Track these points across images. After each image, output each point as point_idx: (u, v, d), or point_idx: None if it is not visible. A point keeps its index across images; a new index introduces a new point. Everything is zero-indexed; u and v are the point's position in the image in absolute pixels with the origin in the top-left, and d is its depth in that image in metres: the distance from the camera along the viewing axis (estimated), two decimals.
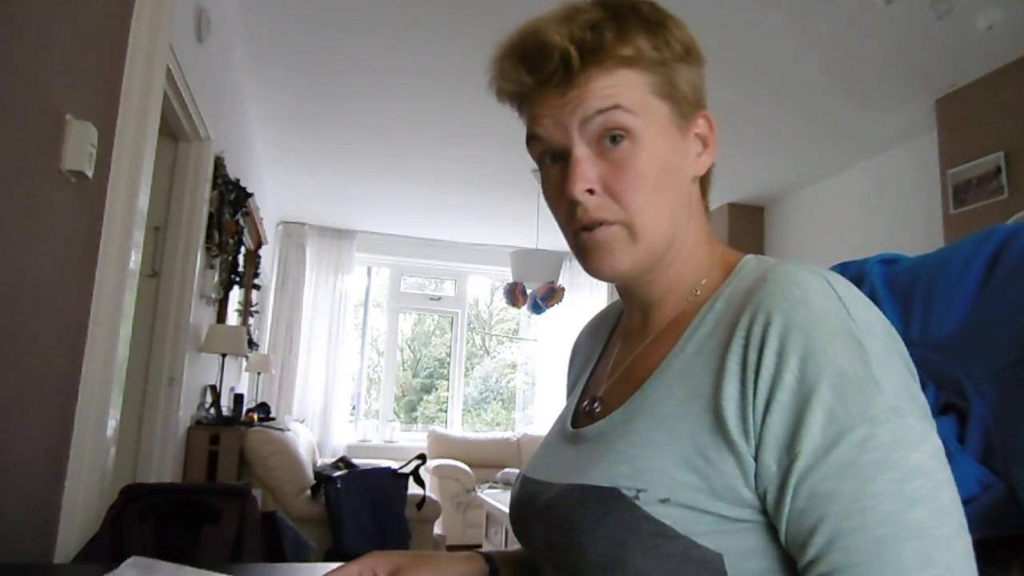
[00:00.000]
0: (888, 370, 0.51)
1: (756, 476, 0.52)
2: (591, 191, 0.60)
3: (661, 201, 0.62)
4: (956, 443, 0.58)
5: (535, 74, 0.61)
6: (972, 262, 0.61)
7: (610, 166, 0.60)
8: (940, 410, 0.61)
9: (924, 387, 0.61)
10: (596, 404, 0.68)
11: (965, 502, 0.56)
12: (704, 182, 0.69)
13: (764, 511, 0.53)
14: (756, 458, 0.51)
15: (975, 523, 0.57)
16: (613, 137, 0.60)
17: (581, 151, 0.61)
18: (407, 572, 0.68)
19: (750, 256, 0.65)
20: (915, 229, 3.84)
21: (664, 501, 0.53)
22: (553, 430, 0.75)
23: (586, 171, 0.60)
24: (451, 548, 4.09)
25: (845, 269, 0.73)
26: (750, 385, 0.52)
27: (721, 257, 0.67)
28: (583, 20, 0.60)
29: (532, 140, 0.64)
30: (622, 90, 0.60)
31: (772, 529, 0.53)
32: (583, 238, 0.62)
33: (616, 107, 0.59)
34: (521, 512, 0.67)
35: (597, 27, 0.60)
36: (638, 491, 0.54)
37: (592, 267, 0.63)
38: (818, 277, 0.55)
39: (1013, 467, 0.55)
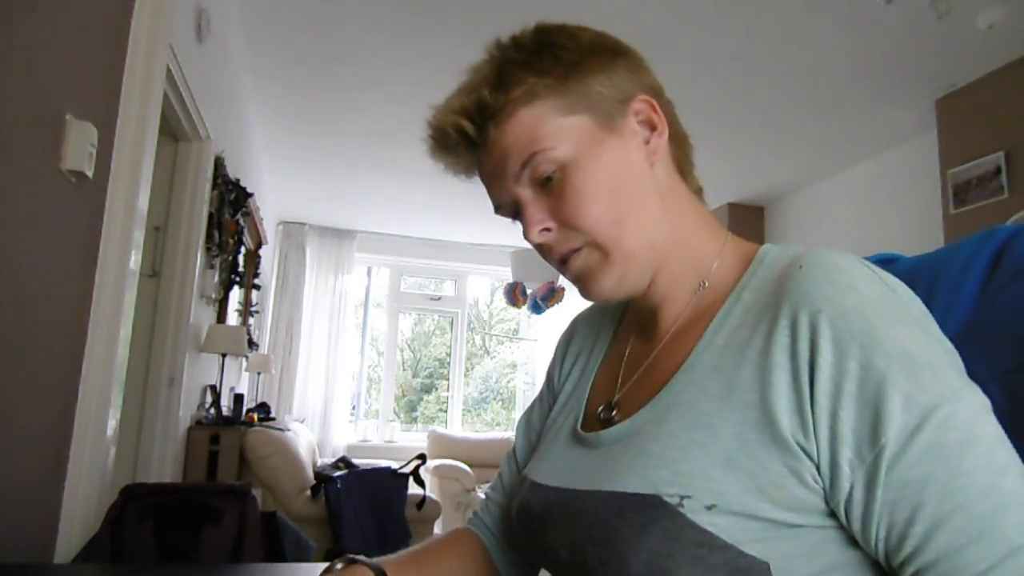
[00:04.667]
0: (947, 348, 0.52)
1: (830, 475, 0.49)
2: (548, 229, 0.62)
3: (617, 208, 0.61)
4: None
5: (452, 156, 0.64)
6: (973, 263, 0.61)
7: (554, 200, 0.62)
8: None
9: None
10: (614, 411, 0.65)
11: None
12: (681, 162, 0.68)
13: (820, 513, 0.51)
14: (831, 459, 0.49)
15: None
16: (546, 177, 0.61)
17: (526, 197, 0.63)
18: None
19: (769, 244, 0.64)
20: (915, 229, 3.84)
21: (710, 508, 0.50)
22: (558, 431, 0.71)
23: (534, 215, 0.62)
24: None
25: None
26: (804, 379, 0.50)
27: (732, 246, 0.66)
28: (465, 89, 0.63)
29: (497, 211, 0.67)
30: (531, 131, 0.61)
31: (822, 534, 0.51)
32: (565, 271, 0.64)
33: (532, 155, 0.61)
34: (534, 521, 0.63)
35: (476, 90, 0.61)
36: (682, 498, 0.51)
37: (585, 295, 0.65)
38: (858, 263, 0.54)
39: None
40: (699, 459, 0.52)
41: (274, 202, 5.48)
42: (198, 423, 3.14)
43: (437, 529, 3.73)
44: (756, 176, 4.71)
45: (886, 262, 0.69)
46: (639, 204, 0.62)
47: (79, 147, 1.33)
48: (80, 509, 1.50)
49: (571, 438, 0.67)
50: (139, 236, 1.73)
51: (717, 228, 0.67)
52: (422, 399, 7.45)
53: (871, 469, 0.48)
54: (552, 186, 0.61)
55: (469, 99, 0.61)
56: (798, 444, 0.50)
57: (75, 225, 1.43)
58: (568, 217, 0.61)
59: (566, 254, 0.62)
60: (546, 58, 0.62)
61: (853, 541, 0.51)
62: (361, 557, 0.66)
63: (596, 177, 0.61)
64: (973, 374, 0.55)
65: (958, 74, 3.25)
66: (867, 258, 0.71)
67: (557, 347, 0.84)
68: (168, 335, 2.55)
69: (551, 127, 0.61)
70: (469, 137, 0.62)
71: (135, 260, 1.71)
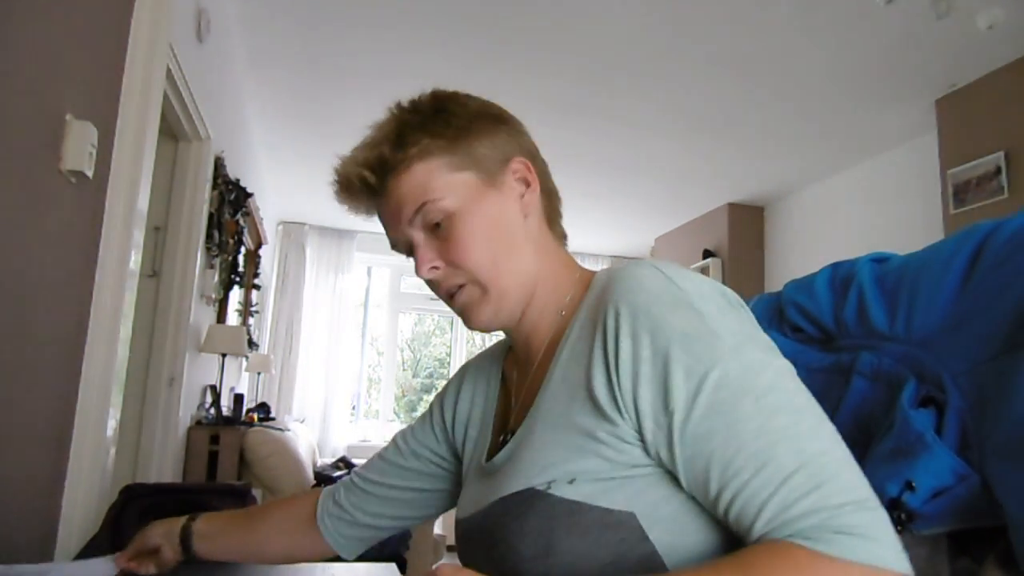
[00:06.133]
0: (722, 321, 0.60)
1: (645, 442, 0.59)
2: (435, 267, 0.71)
3: (496, 252, 0.71)
4: (933, 434, 0.59)
5: (354, 200, 0.75)
6: (954, 259, 0.63)
7: (442, 243, 0.71)
8: (920, 403, 0.62)
9: (906, 381, 0.62)
10: (509, 434, 0.74)
11: (940, 492, 0.58)
12: (549, 213, 0.79)
13: (654, 464, 0.60)
14: (639, 428, 0.59)
15: (950, 514, 0.58)
16: (436, 223, 0.71)
17: (418, 238, 0.72)
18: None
19: (601, 269, 0.74)
20: (915, 229, 3.84)
21: (572, 482, 0.60)
22: (469, 470, 0.81)
23: (425, 255, 0.72)
24: (451, 548, 4.09)
25: (836, 268, 0.75)
26: (613, 368, 0.60)
27: (580, 277, 0.76)
28: (368, 144, 0.72)
29: (392, 246, 0.77)
30: (424, 182, 0.70)
31: (667, 478, 0.60)
32: (451, 304, 0.74)
33: (424, 204, 0.70)
34: (465, 550, 0.72)
35: (378, 146, 0.71)
36: (549, 483, 0.61)
37: (468, 324, 0.74)
38: (649, 267, 0.64)
39: (988, 459, 0.56)
40: (556, 451, 0.63)
41: (274, 202, 5.48)
42: (198, 423, 3.14)
43: (437, 529, 3.73)
44: (756, 176, 4.71)
45: (880, 261, 0.72)
46: (513, 249, 0.72)
47: (79, 147, 1.33)
48: (80, 509, 1.50)
49: (479, 472, 0.76)
50: (139, 236, 1.74)
51: (574, 267, 0.78)
52: (422, 399, 7.45)
53: (668, 434, 0.58)
54: (440, 231, 0.71)
55: (371, 154, 0.71)
56: (616, 418, 0.60)
57: (75, 225, 1.43)
58: (454, 258, 0.70)
59: (452, 289, 0.72)
60: (439, 122, 0.72)
61: None
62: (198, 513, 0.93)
63: (478, 225, 0.70)
64: (948, 367, 0.59)
65: (958, 74, 3.25)
66: (862, 257, 0.74)
67: (448, 385, 0.92)
68: (168, 335, 2.55)
69: (441, 181, 0.70)
70: (370, 186, 0.72)
71: (135, 260, 1.71)
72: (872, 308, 0.67)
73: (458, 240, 0.70)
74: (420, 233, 0.72)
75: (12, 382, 1.21)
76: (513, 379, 0.81)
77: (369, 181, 0.72)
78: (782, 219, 5.12)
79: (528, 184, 0.75)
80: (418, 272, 0.72)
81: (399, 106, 0.75)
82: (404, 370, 7.33)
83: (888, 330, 0.65)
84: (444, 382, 7.28)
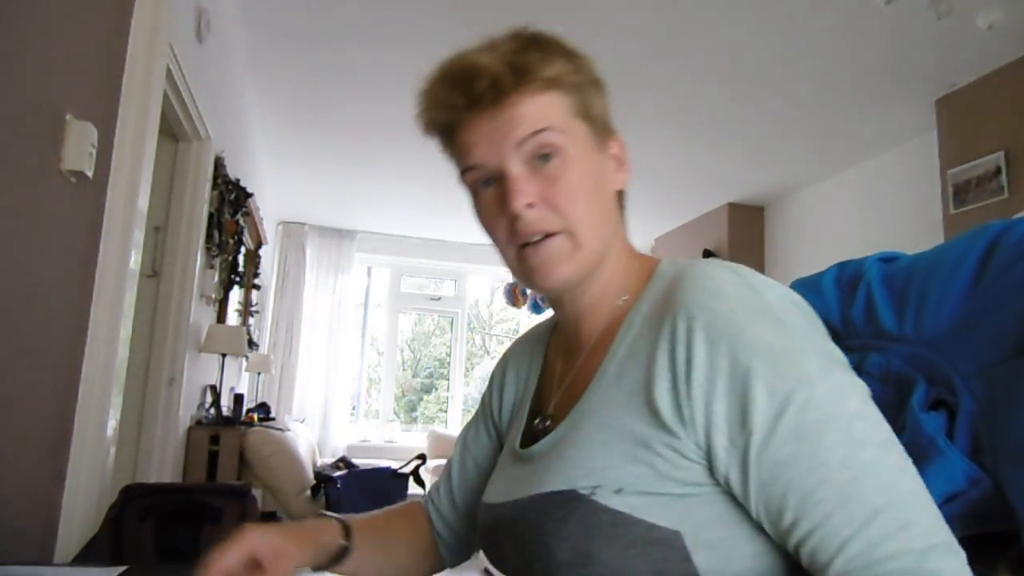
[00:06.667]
0: (808, 338, 0.57)
1: (711, 460, 0.56)
2: (530, 205, 0.64)
3: (595, 211, 0.67)
4: (945, 438, 0.58)
5: (467, 96, 0.64)
6: (964, 259, 0.62)
7: (544, 181, 0.64)
8: (931, 405, 0.61)
9: (915, 383, 0.62)
10: (547, 420, 0.71)
11: (952, 497, 0.57)
12: (621, 199, 0.74)
13: (712, 484, 0.57)
14: (708, 444, 0.55)
15: (962, 518, 0.57)
16: (544, 155, 0.64)
17: (517, 170, 0.64)
18: (290, 558, 0.62)
19: (665, 259, 0.71)
20: (915, 229, 3.83)
21: (619, 491, 0.57)
22: (504, 453, 0.77)
23: (524, 187, 0.64)
24: None
25: (844, 268, 0.73)
26: (683, 378, 0.57)
27: (641, 264, 0.72)
28: (507, 48, 0.65)
29: (468, 171, 0.67)
30: (549, 112, 0.65)
31: (721, 500, 0.57)
32: (527, 253, 0.66)
33: (546, 129, 0.64)
34: (491, 537, 0.69)
35: (522, 51, 0.65)
36: (594, 488, 0.58)
37: (539, 279, 0.66)
38: (728, 270, 0.61)
39: (1001, 463, 0.56)
40: (605, 455, 0.59)
41: (274, 202, 5.48)
42: (198, 423, 3.14)
43: None
44: (756, 176, 4.71)
45: (888, 260, 0.70)
46: (605, 216, 0.69)
47: (79, 147, 1.33)
48: (80, 509, 1.50)
49: (513, 457, 0.73)
50: (139, 236, 1.73)
51: (636, 254, 0.74)
52: (422, 399, 7.45)
53: (743, 453, 0.54)
54: (546, 169, 0.65)
55: (518, 57, 0.64)
56: (681, 432, 0.56)
57: (75, 225, 1.43)
58: (558, 201, 0.64)
59: (539, 234, 0.65)
60: (576, 63, 0.68)
61: None
62: (331, 514, 0.74)
63: (586, 178, 0.66)
64: (959, 369, 0.58)
65: (958, 74, 3.25)
66: (870, 256, 0.72)
67: (493, 377, 0.88)
68: (168, 335, 2.55)
69: (564, 118, 0.65)
70: (498, 85, 0.63)
71: (135, 260, 1.71)
72: (881, 308, 0.66)
73: (568, 184, 0.64)
74: (520, 164, 0.64)
75: (12, 382, 1.21)
76: (556, 363, 0.77)
77: (501, 78, 0.63)
78: (782, 219, 5.12)
79: (621, 164, 0.72)
80: (510, 202, 0.63)
81: (541, 31, 0.68)
82: (404, 370, 7.33)
83: (897, 330, 0.64)
84: (444, 382, 7.24)
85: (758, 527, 0.56)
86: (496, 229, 0.67)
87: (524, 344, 0.86)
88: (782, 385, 0.53)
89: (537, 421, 0.73)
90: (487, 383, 0.89)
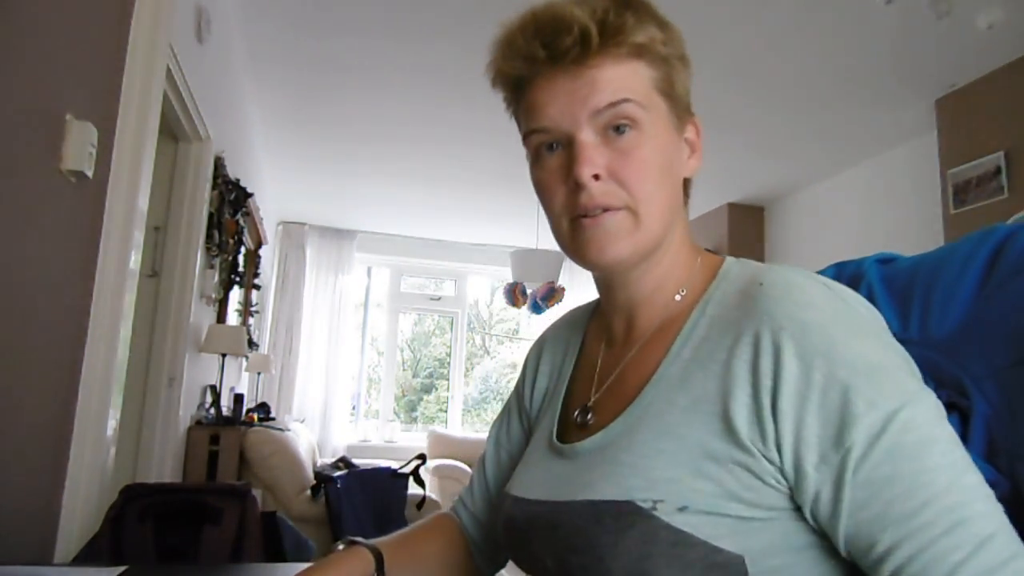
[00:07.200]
0: (902, 355, 0.55)
1: (795, 479, 0.52)
2: (597, 176, 0.60)
3: (662, 193, 0.62)
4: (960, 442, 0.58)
5: (549, 48, 0.59)
6: (971, 261, 0.61)
7: (615, 154, 0.60)
8: None
9: None
10: (589, 415, 0.66)
11: None
12: (687, 188, 0.71)
13: (783, 509, 0.53)
14: (796, 462, 0.52)
15: None
16: (618, 127, 0.60)
17: (588, 137, 0.60)
18: None
19: (731, 259, 0.67)
20: (915, 229, 3.84)
21: (682, 509, 0.53)
22: (536, 443, 0.73)
23: (593, 156, 0.60)
24: None
25: (842, 268, 0.73)
26: (767, 392, 0.53)
27: (703, 261, 0.68)
28: (600, 4, 0.60)
29: (533, 133, 0.63)
30: (632, 82, 0.60)
31: (790, 524, 0.54)
32: (584, 224, 0.61)
33: (627, 100, 0.60)
34: (520, 534, 0.65)
35: (615, 10, 0.60)
36: (655, 502, 0.54)
37: (592, 253, 0.62)
38: (815, 281, 0.58)
39: (1018, 465, 0.55)
40: (668, 467, 0.55)
41: (274, 202, 5.48)
42: (198, 423, 3.14)
43: None
44: (756, 176, 4.71)
45: (886, 261, 0.70)
46: (672, 201, 0.65)
47: (79, 147, 1.33)
48: (80, 509, 1.50)
49: (548, 450, 0.68)
50: (139, 236, 1.73)
51: (697, 248, 0.70)
52: (422, 399, 7.45)
53: (838, 471, 0.50)
54: (619, 142, 0.60)
55: (604, 13, 0.59)
56: (758, 451, 0.53)
57: (75, 225, 1.43)
58: (627, 176, 0.60)
59: (600, 207, 0.60)
60: (669, 32, 0.64)
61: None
62: (360, 539, 0.69)
63: (659, 157, 0.62)
64: (969, 371, 0.56)
65: (958, 74, 3.25)
66: (868, 257, 0.71)
67: (527, 363, 0.84)
68: (168, 335, 2.55)
69: (647, 91, 0.61)
70: (586, 42, 0.58)
71: (135, 260, 1.71)
72: (883, 310, 0.64)
73: (641, 160, 0.60)
74: (592, 133, 0.60)
75: (12, 382, 1.21)
76: (596, 351, 0.72)
77: (590, 36, 0.58)
78: (782, 219, 5.12)
79: (694, 150, 0.68)
80: (577, 171, 0.59)
81: None
82: (404, 370, 7.33)
83: (901, 332, 0.63)
84: (444, 382, 7.22)
85: (824, 554, 0.54)
86: (553, 196, 0.63)
87: (560, 329, 0.82)
88: (884, 403, 0.50)
89: (577, 414, 0.68)
90: (519, 370, 0.85)
